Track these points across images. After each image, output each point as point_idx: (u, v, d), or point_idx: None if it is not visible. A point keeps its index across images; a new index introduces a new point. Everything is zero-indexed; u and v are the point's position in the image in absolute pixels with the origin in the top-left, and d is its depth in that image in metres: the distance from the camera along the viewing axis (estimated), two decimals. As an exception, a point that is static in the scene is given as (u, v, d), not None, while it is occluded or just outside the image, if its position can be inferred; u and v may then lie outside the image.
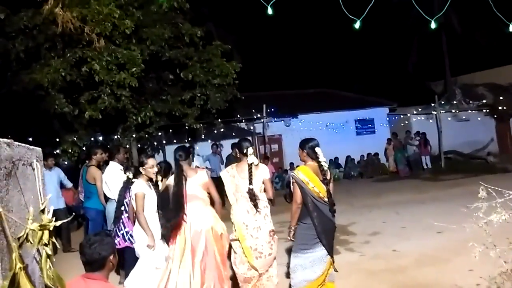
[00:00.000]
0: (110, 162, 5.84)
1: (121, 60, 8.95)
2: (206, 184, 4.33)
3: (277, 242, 4.40)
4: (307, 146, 4.05)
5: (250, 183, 4.21)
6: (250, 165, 4.24)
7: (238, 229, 4.22)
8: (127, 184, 5.04)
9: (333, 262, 4.03)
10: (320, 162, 3.94)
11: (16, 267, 1.51)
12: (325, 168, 3.94)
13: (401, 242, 6.50)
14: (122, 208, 5.02)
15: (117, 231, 5.13)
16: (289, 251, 4.24)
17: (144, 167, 4.39)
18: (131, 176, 5.08)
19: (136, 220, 4.46)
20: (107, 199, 5.73)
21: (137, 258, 4.42)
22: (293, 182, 4.02)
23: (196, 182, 4.27)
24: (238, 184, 4.29)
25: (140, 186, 4.34)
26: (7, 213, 1.56)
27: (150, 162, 4.41)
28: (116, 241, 5.08)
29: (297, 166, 4.63)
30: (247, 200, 4.23)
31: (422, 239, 6.47)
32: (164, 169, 5.11)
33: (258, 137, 15.65)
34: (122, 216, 5.02)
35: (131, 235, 4.80)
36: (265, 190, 4.36)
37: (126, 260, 5.13)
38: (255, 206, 4.21)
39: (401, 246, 6.24)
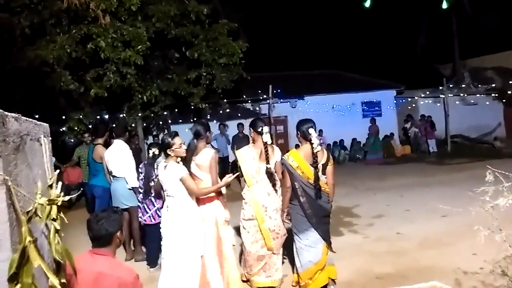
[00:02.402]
0: (115, 141, 5.83)
1: (127, 37, 8.87)
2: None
3: None
4: (301, 128, 4.01)
5: (268, 162, 4.22)
6: (265, 144, 4.24)
7: (257, 210, 4.22)
8: (153, 160, 5.22)
9: (330, 246, 4.04)
10: (313, 144, 3.89)
11: (25, 241, 1.52)
12: (316, 151, 3.88)
13: (405, 225, 6.52)
14: (152, 184, 5.05)
15: (146, 207, 5.23)
16: (289, 231, 4.26)
17: (172, 149, 3.93)
18: (157, 152, 5.21)
19: (163, 201, 4.17)
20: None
21: (161, 236, 4.03)
22: (283, 166, 4.05)
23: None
24: (259, 166, 4.28)
25: (179, 169, 3.92)
26: (16, 187, 1.56)
27: (177, 141, 3.97)
28: (145, 217, 5.21)
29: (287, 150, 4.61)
30: (267, 183, 4.25)
31: (426, 222, 6.48)
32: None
33: (264, 118, 15.57)
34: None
35: None
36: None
37: (149, 237, 5.19)
38: (273, 185, 4.25)
39: (405, 229, 6.26)
